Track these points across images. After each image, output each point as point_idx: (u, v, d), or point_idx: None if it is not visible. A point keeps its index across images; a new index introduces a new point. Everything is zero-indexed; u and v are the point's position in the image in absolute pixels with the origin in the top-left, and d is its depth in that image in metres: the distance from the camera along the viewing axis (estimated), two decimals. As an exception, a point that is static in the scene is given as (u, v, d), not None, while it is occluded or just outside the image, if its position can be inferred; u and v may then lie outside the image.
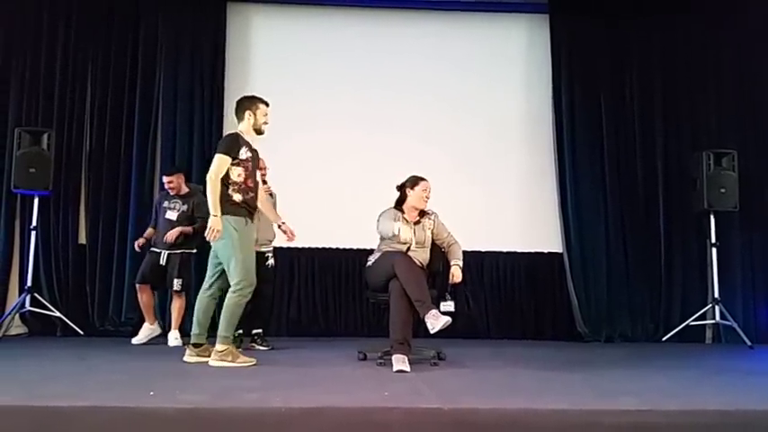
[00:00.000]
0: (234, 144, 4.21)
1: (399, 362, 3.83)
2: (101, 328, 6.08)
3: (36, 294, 5.94)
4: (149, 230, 5.63)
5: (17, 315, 5.98)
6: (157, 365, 4.21)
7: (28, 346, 5.38)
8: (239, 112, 4.39)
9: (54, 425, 2.49)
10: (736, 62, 6.78)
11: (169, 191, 5.55)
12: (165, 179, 5.61)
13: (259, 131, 4.38)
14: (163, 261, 5.42)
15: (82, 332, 5.88)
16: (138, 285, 5.47)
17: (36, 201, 6.00)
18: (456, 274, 4.33)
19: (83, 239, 6.33)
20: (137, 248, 5.64)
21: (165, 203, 5.56)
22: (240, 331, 5.12)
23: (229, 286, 4.11)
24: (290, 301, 6.48)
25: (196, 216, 5.47)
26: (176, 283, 5.39)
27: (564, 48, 6.74)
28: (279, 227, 4.91)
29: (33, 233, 5.99)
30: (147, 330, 5.48)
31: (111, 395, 2.91)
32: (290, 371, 4.01)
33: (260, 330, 5.27)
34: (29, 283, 5.91)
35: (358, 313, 6.44)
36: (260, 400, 2.83)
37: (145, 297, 5.47)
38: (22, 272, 6.11)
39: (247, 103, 4.39)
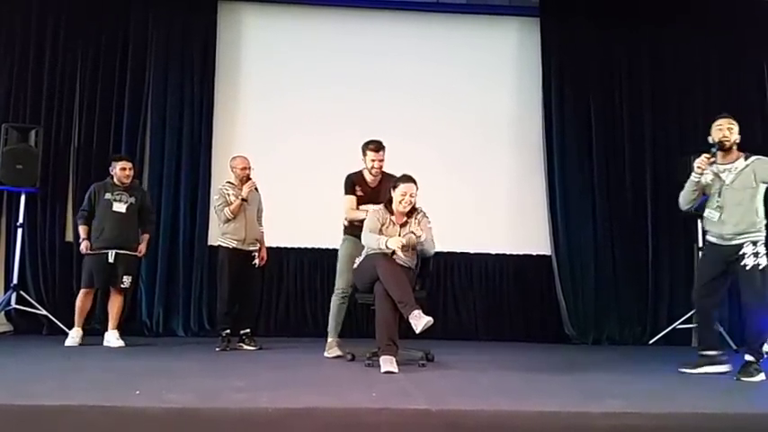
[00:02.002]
0: (347, 186, 4.83)
1: (387, 363, 3.82)
2: (87, 326, 6.03)
3: (22, 292, 5.90)
4: (85, 228, 5.31)
5: (2, 313, 5.93)
6: (144, 365, 4.18)
7: (13, 344, 5.33)
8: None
9: (39, 424, 2.47)
10: (724, 67, 6.85)
11: (122, 178, 5.33)
12: (121, 165, 5.35)
13: (370, 172, 4.83)
14: (111, 259, 5.22)
15: (68, 330, 5.83)
16: (85, 288, 5.25)
17: (23, 198, 5.95)
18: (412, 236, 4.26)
19: (70, 237, 6.28)
20: (85, 251, 5.28)
21: (108, 195, 5.29)
22: (228, 331, 5.11)
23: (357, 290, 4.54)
24: (278, 302, 6.47)
25: (145, 214, 5.42)
26: (126, 280, 5.25)
27: (554, 51, 6.77)
28: None
29: (20, 230, 5.94)
30: (78, 335, 5.25)
31: (98, 394, 2.89)
32: (278, 371, 4.00)
33: (248, 330, 5.25)
34: (15, 281, 5.87)
35: (346, 314, 6.41)
36: (247, 400, 2.82)
37: (88, 301, 5.30)
38: (8, 269, 6.07)
39: (363, 148, 4.84)
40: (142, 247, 5.43)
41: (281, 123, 6.65)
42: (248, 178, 5.23)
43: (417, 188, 4.35)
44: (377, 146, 4.78)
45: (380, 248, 4.23)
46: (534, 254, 6.71)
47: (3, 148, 5.83)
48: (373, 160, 4.76)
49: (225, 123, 6.65)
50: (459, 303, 6.59)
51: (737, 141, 4.10)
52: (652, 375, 4.10)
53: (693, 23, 6.84)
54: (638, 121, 6.76)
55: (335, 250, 6.30)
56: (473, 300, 6.61)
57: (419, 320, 3.87)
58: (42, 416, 2.50)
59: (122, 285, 5.27)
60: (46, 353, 4.70)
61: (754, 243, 3.96)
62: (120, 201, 5.32)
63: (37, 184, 5.91)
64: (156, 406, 2.59)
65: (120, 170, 5.36)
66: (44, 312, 5.88)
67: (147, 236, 5.51)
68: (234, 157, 5.39)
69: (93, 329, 5.82)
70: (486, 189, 6.75)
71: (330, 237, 6.31)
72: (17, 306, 5.87)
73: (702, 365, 4.10)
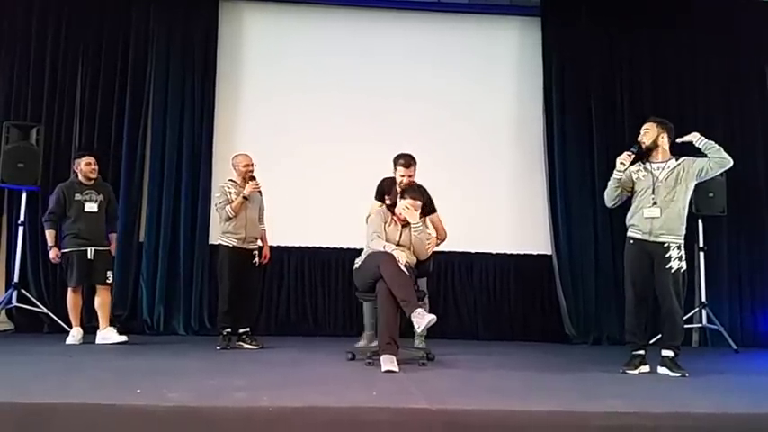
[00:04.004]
0: (377, 192, 4.94)
1: (388, 362, 3.83)
2: (88, 324, 6.02)
3: (23, 290, 5.90)
4: (53, 233, 5.27)
5: (3, 311, 5.94)
6: (144, 363, 4.19)
7: (14, 342, 5.34)
8: None
9: (40, 422, 2.48)
10: (725, 68, 6.83)
11: (89, 173, 5.33)
12: (86, 160, 5.36)
13: (399, 186, 4.72)
14: (90, 256, 5.26)
15: (69, 329, 5.83)
16: (73, 287, 5.27)
17: (24, 196, 5.96)
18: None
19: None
20: (55, 259, 5.30)
21: (78, 196, 5.29)
22: (229, 329, 5.11)
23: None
24: (279, 300, 6.47)
25: (111, 210, 5.47)
26: (110, 276, 5.34)
27: (555, 51, 6.76)
28: None
29: (21, 228, 5.95)
30: (79, 333, 5.28)
31: (99, 393, 2.90)
32: (279, 370, 4.00)
33: (247, 329, 5.24)
34: (16, 279, 5.88)
35: (347, 313, 6.43)
36: (248, 399, 2.82)
37: (79, 299, 5.33)
38: (9, 267, 6.07)
39: (394, 160, 4.80)
40: (112, 248, 5.49)
41: (283, 121, 6.65)
42: (252, 177, 5.20)
43: (422, 202, 4.42)
44: (407, 161, 4.75)
45: (378, 247, 4.26)
46: (535, 253, 6.70)
47: (4, 146, 5.84)
48: (402, 176, 4.74)
49: (226, 121, 6.65)
50: (459, 303, 6.58)
51: (660, 143, 4.34)
52: (652, 375, 4.10)
53: (695, 24, 6.83)
54: (640, 120, 6.72)
55: (336, 249, 6.39)
56: (473, 299, 6.61)
57: (422, 319, 3.88)
58: (43, 414, 2.50)
59: (108, 281, 5.32)
60: (47, 351, 4.71)
61: (679, 247, 4.18)
62: (90, 200, 5.32)
63: (38, 182, 5.91)
64: (157, 404, 2.59)
65: (86, 165, 5.35)
66: (45, 311, 5.89)
67: (114, 235, 5.56)
68: (236, 155, 5.37)
69: (94, 328, 5.83)
70: (486, 188, 6.74)
71: (331, 235, 6.37)
72: (18, 304, 5.87)
73: (639, 365, 4.18)
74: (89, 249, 5.25)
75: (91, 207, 5.31)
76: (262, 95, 6.76)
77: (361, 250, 4.57)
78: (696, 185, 6.02)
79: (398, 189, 4.72)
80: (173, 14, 6.59)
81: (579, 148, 6.67)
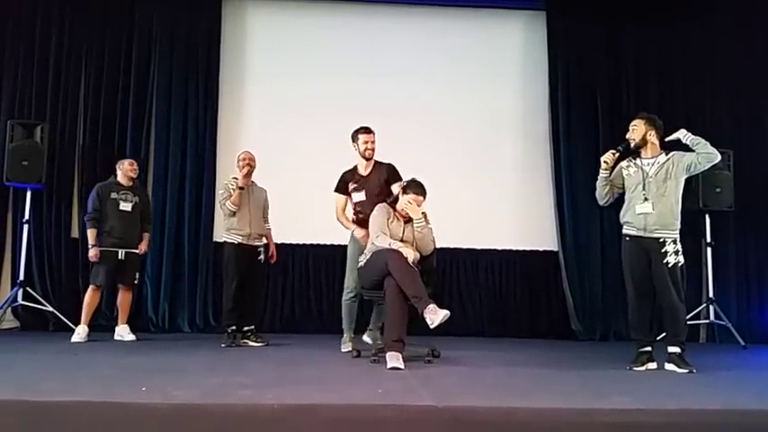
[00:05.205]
0: (339, 184, 5.01)
1: (393, 359, 3.82)
2: (93, 322, 6.04)
3: (28, 288, 5.92)
4: (94, 232, 5.33)
5: (9, 309, 5.96)
6: (150, 361, 4.19)
7: (20, 340, 5.35)
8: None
9: (45, 420, 2.48)
10: (732, 61, 6.79)
11: (130, 172, 5.48)
12: (129, 161, 5.58)
13: (363, 157, 4.88)
14: (121, 257, 5.34)
15: (74, 327, 5.84)
16: (96, 285, 5.33)
17: (29, 194, 5.97)
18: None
19: (75, 233, 6.31)
20: (95, 259, 5.30)
21: (114, 195, 5.40)
22: (234, 327, 5.10)
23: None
24: (283, 298, 6.47)
25: (146, 212, 5.58)
26: (137, 277, 5.52)
27: (560, 45, 6.74)
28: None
29: (26, 226, 5.97)
30: (85, 332, 5.28)
31: (103, 390, 2.89)
32: (284, 367, 4.00)
33: (252, 326, 5.23)
34: (21, 277, 5.89)
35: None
36: (253, 396, 2.82)
37: (96, 298, 5.41)
38: (15, 266, 6.09)
39: (353, 135, 4.91)
40: (143, 246, 5.55)
41: (286, 119, 6.64)
42: (249, 173, 5.17)
43: (425, 198, 4.39)
44: (367, 129, 4.90)
45: (382, 244, 4.24)
46: (541, 250, 6.68)
47: (9, 144, 5.86)
48: (366, 142, 4.85)
49: (230, 119, 6.65)
50: (464, 300, 6.57)
51: (649, 139, 4.30)
52: (659, 372, 4.08)
53: (702, 20, 6.78)
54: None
55: (341, 246, 6.33)
56: (479, 296, 6.59)
57: (436, 314, 3.85)
58: (49, 411, 2.50)
59: (134, 283, 5.49)
60: (52, 349, 4.72)
61: (674, 242, 4.16)
62: (125, 200, 5.43)
63: (43, 180, 5.92)
64: (162, 402, 2.59)
65: (129, 164, 5.53)
66: (50, 309, 5.90)
67: (147, 234, 5.62)
68: (239, 152, 5.35)
69: (99, 326, 5.85)
70: (492, 184, 6.72)
71: (335, 233, 6.31)
72: (24, 302, 5.88)
73: (646, 362, 4.17)
74: (120, 251, 5.35)
75: (125, 206, 5.41)
76: (265, 94, 6.75)
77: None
78: (702, 181, 6.10)
79: (364, 161, 4.87)
80: (175, 14, 6.59)
81: (585, 143, 6.64)
